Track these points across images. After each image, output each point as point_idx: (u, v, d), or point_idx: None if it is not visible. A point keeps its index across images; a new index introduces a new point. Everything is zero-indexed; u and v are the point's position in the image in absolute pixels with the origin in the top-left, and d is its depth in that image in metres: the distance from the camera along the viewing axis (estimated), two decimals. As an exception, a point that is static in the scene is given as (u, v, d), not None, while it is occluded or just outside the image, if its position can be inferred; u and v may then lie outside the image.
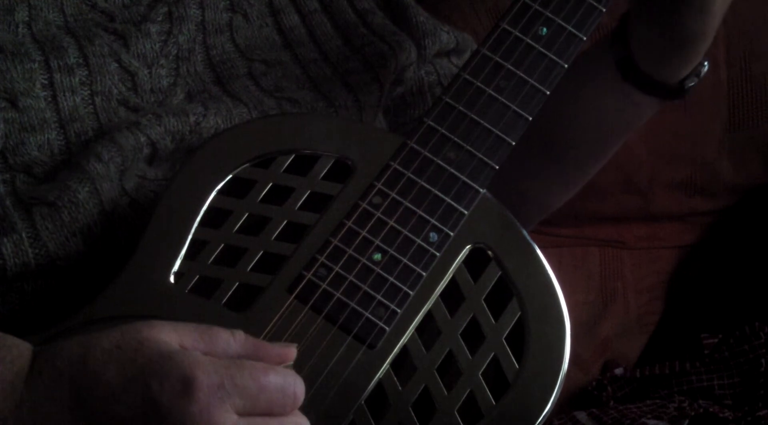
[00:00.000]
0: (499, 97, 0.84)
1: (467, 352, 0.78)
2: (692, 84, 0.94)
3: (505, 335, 0.79)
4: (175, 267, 0.78)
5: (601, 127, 1.00)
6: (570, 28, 0.86)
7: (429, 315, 0.79)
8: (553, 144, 1.00)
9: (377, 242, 0.79)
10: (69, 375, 0.65)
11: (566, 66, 0.85)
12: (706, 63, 0.94)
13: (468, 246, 0.81)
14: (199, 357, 0.64)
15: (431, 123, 0.83)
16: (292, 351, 0.70)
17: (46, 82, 0.87)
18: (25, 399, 0.65)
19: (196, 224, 0.79)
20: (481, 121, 0.83)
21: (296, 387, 0.67)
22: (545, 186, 1.05)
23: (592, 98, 0.98)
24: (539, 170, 1.02)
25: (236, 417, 0.64)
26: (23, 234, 0.81)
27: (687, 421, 1.08)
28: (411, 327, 0.78)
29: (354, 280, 0.78)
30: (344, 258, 0.78)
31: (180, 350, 0.65)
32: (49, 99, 0.87)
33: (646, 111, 0.98)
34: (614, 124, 0.99)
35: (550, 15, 0.86)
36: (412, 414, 0.76)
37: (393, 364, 0.77)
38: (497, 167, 0.83)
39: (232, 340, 0.68)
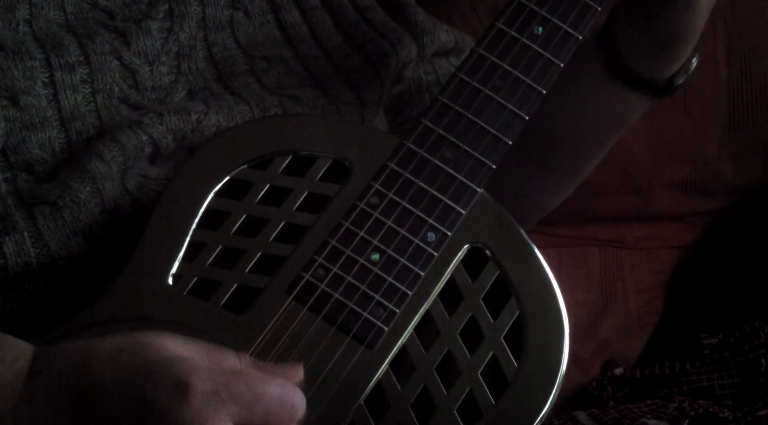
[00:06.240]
0: (496, 97, 0.84)
1: (466, 352, 0.78)
2: (681, 81, 0.93)
3: (503, 334, 0.79)
4: (174, 269, 0.78)
5: (592, 126, 1.00)
6: (566, 27, 0.86)
7: (428, 314, 0.79)
8: (545, 143, 1.00)
9: (375, 242, 0.79)
10: (68, 376, 0.65)
11: (562, 65, 0.86)
12: (694, 59, 0.93)
13: (466, 246, 0.81)
14: (197, 364, 0.64)
15: (428, 123, 0.83)
16: (298, 371, 0.69)
17: (47, 80, 0.87)
18: (23, 399, 0.65)
19: (194, 226, 0.79)
20: (478, 121, 0.83)
21: (295, 399, 0.66)
22: (539, 186, 1.05)
23: (581, 97, 0.97)
24: (533, 170, 1.02)
25: None
26: (25, 234, 0.81)
27: (687, 421, 1.08)
28: (410, 326, 0.78)
29: (352, 281, 0.78)
30: (342, 258, 0.78)
31: (180, 356, 0.65)
32: (50, 97, 0.87)
33: (636, 109, 0.98)
34: (605, 122, 0.99)
35: (545, 14, 0.86)
36: (412, 413, 0.76)
37: (392, 364, 0.77)
38: (494, 166, 0.83)
39: (238, 362, 0.68)
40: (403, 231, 0.80)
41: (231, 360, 0.68)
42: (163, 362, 0.64)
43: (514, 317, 0.80)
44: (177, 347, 0.66)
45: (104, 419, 0.64)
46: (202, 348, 0.67)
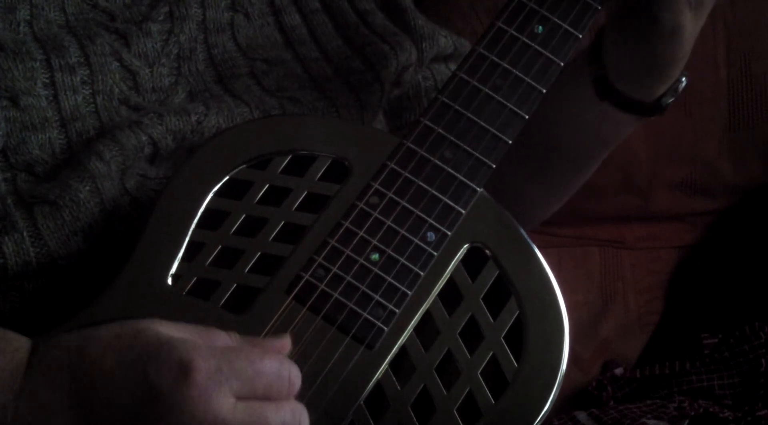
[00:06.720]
0: (496, 96, 0.84)
1: (466, 351, 0.78)
2: (670, 101, 0.94)
3: (503, 334, 0.79)
4: (173, 270, 0.78)
5: (581, 143, 1.00)
6: (566, 25, 0.86)
7: (427, 314, 0.79)
8: (544, 146, 1.00)
9: (375, 242, 0.79)
10: (67, 364, 0.66)
11: (562, 64, 0.86)
12: (683, 79, 0.93)
13: (465, 246, 0.81)
14: (197, 343, 0.65)
15: (428, 122, 0.83)
16: (286, 342, 0.71)
17: (47, 80, 0.88)
18: (24, 389, 0.66)
19: (193, 226, 0.79)
20: (478, 120, 0.83)
21: (291, 371, 0.68)
22: (540, 187, 1.05)
23: (570, 115, 0.98)
24: (533, 172, 1.02)
25: (234, 400, 0.64)
26: (24, 233, 0.81)
27: (687, 421, 1.08)
28: (409, 326, 0.78)
29: (352, 280, 0.78)
30: (342, 258, 0.78)
31: (177, 337, 0.66)
32: (51, 98, 0.87)
33: (625, 128, 0.98)
34: (593, 140, 1.00)
35: (545, 13, 0.86)
36: (411, 413, 0.76)
37: (392, 364, 0.77)
38: (494, 166, 0.83)
39: (229, 340, 0.69)
40: (403, 231, 0.80)
41: (222, 338, 0.69)
42: (162, 344, 0.65)
43: (514, 317, 0.80)
44: (171, 330, 0.67)
45: (107, 404, 0.64)
46: (193, 329, 0.68)
